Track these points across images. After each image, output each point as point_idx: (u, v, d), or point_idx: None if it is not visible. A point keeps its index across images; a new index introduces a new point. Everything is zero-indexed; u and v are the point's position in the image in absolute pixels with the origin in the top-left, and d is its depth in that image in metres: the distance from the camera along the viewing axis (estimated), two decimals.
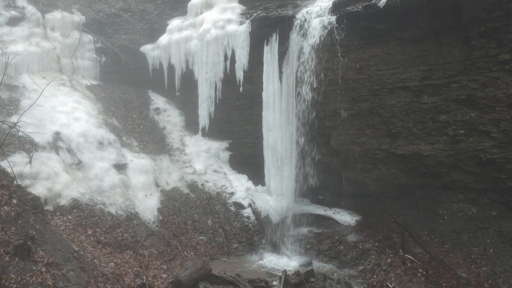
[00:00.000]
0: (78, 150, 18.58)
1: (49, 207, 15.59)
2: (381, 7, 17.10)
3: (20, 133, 16.58)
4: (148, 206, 18.37)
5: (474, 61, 15.72)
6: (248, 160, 23.32)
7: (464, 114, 16.25)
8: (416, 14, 16.53)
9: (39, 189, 15.50)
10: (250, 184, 21.77)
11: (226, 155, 23.56)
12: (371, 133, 19.55)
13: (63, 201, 16.07)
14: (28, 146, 17.09)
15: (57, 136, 18.57)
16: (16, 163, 15.17)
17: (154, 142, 22.69)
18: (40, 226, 11.36)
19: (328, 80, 19.55)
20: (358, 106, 19.37)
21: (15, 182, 12.48)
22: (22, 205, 11.40)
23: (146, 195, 18.90)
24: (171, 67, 24.85)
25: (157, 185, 20.16)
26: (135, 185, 18.82)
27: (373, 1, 17.77)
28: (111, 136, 20.40)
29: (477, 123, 16.02)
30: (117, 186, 17.95)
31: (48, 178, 16.22)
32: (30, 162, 15.81)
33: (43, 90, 17.30)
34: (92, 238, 14.92)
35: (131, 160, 19.78)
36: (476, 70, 15.66)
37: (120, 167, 19.04)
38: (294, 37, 19.98)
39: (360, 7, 18.09)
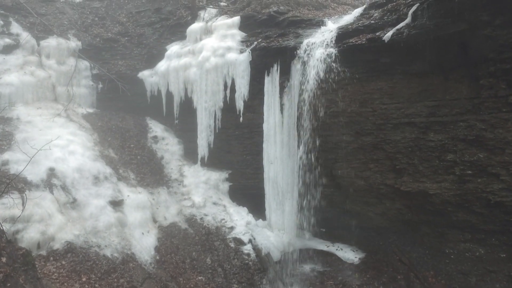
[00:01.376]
0: (73, 187, 18.12)
1: (42, 252, 15.18)
2: (386, 41, 16.73)
3: (13, 171, 16.24)
4: (145, 245, 17.92)
5: (482, 100, 15.21)
6: (249, 191, 22.88)
7: (472, 154, 15.76)
8: (422, 48, 16.09)
9: (31, 233, 15.11)
10: (250, 217, 21.38)
11: (225, 186, 23.12)
12: (375, 168, 19.07)
13: (57, 245, 15.63)
14: (22, 185, 16.70)
15: (52, 172, 18.14)
16: (8, 206, 14.80)
17: (151, 173, 22.27)
18: (30, 285, 10.93)
19: (331, 112, 19.20)
20: (361, 140, 18.95)
21: (4, 237, 12.05)
22: (12, 263, 10.97)
23: (143, 233, 18.45)
24: (169, 94, 24.58)
25: (155, 221, 19.74)
26: (131, 222, 18.38)
27: (377, 34, 17.45)
28: (107, 169, 19.97)
29: (486, 165, 15.52)
30: (112, 225, 17.50)
31: (42, 221, 15.81)
32: (23, 204, 15.40)
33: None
34: (87, 286, 14.47)
35: (128, 195, 19.33)
36: (485, 109, 15.18)
37: (116, 203, 18.62)
38: (296, 68, 19.64)
39: (364, 39, 17.76)
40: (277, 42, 20.66)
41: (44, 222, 15.84)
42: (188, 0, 27.06)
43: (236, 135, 23.10)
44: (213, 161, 23.57)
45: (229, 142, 23.38)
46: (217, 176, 23.23)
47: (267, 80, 20.51)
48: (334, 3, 25.67)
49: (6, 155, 17.65)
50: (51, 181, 17.79)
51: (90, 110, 24.55)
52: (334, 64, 18.46)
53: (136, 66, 25.97)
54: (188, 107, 23.78)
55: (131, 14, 28.01)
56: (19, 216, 14.77)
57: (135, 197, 19.55)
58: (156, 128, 25.26)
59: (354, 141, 19.17)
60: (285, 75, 20.10)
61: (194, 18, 25.96)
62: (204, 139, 23.26)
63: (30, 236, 14.70)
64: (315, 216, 20.40)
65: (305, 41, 19.73)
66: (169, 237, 19.24)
